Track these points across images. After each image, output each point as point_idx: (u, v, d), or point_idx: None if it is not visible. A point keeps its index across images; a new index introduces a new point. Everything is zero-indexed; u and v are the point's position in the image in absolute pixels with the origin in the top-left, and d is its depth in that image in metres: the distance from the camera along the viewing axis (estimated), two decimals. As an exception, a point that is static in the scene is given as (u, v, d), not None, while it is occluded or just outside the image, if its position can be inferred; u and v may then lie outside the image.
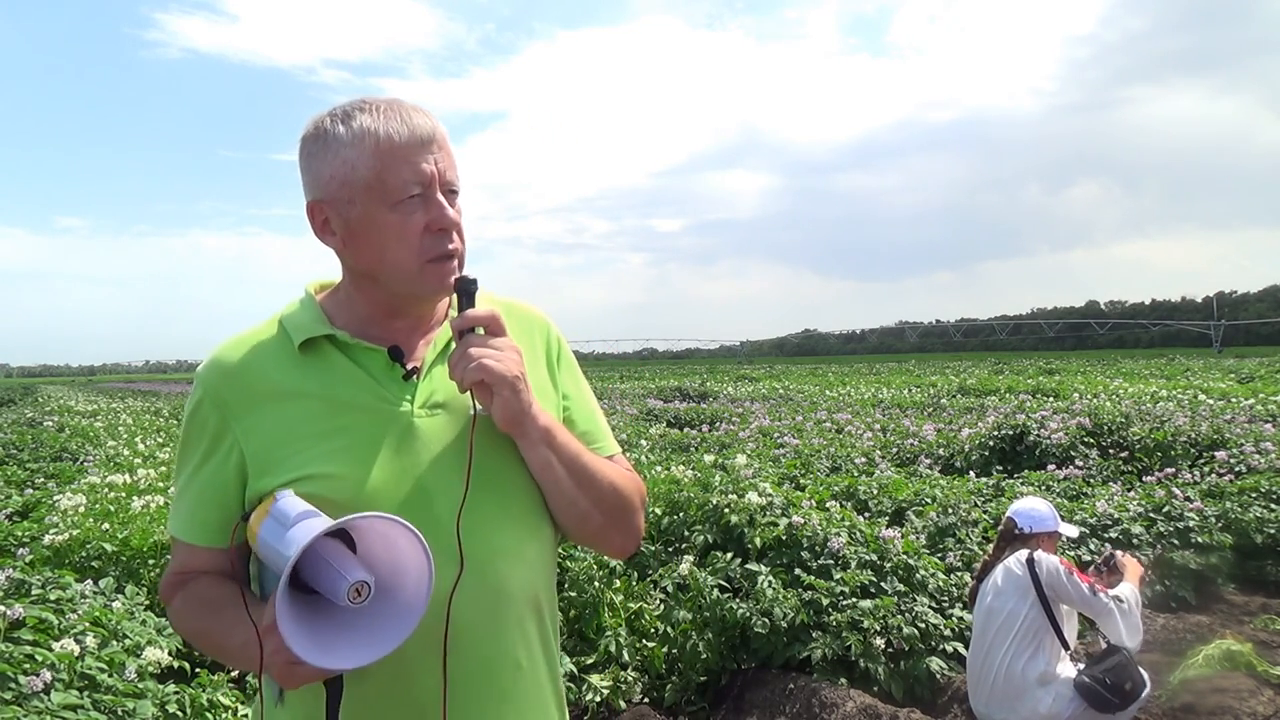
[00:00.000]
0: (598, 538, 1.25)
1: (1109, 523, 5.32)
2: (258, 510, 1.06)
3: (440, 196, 1.13)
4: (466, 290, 1.15)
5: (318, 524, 0.97)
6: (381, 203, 1.10)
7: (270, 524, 1.02)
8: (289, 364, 1.15)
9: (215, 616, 1.12)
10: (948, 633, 4.03)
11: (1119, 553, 3.39)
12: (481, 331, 1.13)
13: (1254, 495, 5.93)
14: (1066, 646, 3.08)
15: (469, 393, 1.12)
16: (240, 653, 1.06)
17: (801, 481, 6.50)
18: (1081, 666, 3.07)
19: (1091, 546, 4.97)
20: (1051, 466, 7.22)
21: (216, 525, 1.15)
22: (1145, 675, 3.11)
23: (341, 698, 1.04)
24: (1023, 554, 3.15)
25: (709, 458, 6.97)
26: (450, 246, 1.14)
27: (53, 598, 3.15)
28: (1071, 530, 3.38)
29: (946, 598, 4.30)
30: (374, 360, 1.16)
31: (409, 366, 1.16)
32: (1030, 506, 3.33)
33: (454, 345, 1.13)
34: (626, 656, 3.87)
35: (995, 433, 8.68)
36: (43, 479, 8.16)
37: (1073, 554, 4.89)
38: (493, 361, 1.09)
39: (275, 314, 1.21)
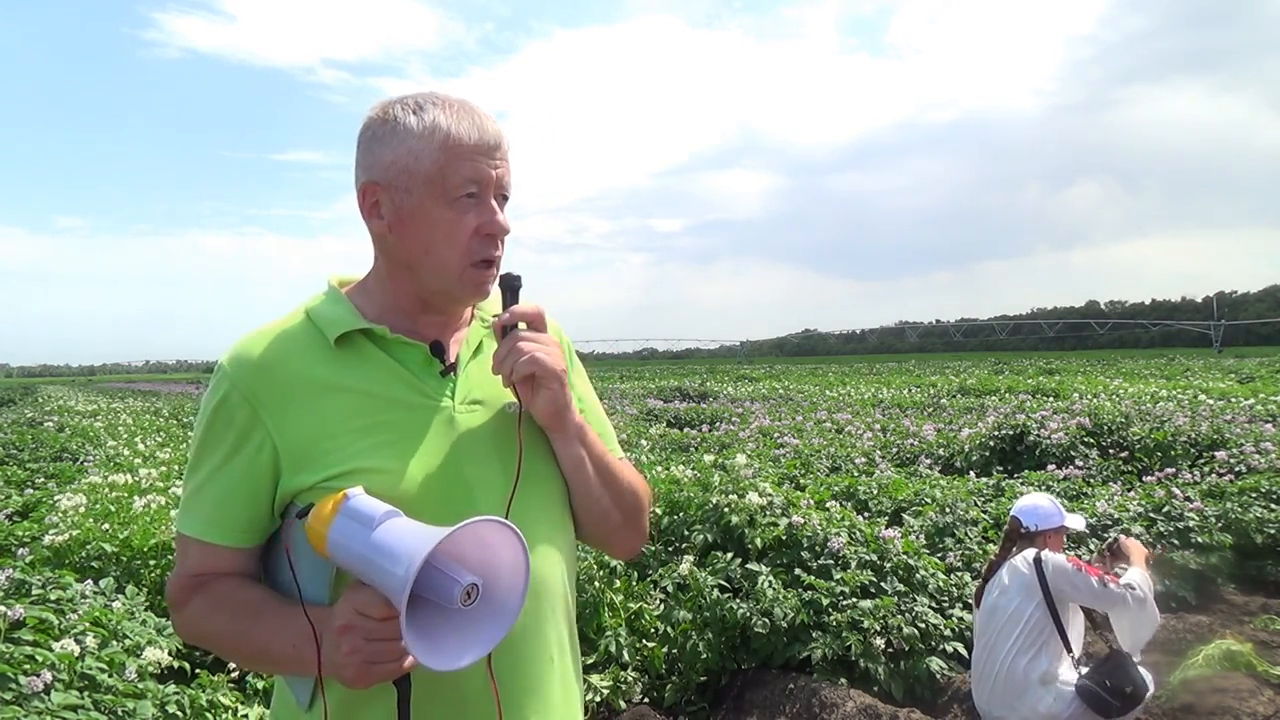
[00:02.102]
0: (612, 536, 1.27)
1: (1109, 523, 5.32)
2: (317, 509, 1.01)
3: (493, 201, 1.13)
4: (512, 286, 1.16)
5: (425, 529, 0.95)
6: (438, 197, 1.10)
7: (344, 523, 0.98)
8: (323, 357, 1.12)
9: (253, 619, 1.09)
10: (948, 633, 4.03)
11: (1122, 537, 3.37)
12: (524, 327, 1.14)
13: (1254, 495, 5.93)
14: (1069, 649, 3.07)
15: (506, 389, 1.14)
16: (290, 654, 1.04)
17: (801, 481, 6.50)
18: (1084, 669, 3.05)
19: (1091, 546, 4.97)
20: (1051, 466, 7.23)
21: (243, 524, 1.12)
22: (1149, 678, 3.10)
23: (411, 694, 1.02)
24: (1030, 553, 3.13)
25: (709, 458, 6.97)
26: (495, 253, 1.15)
27: (53, 598, 3.15)
28: (1078, 521, 3.30)
29: (946, 598, 4.30)
30: (412, 355, 1.15)
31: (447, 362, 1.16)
32: (1033, 504, 3.29)
33: (496, 339, 1.15)
34: (626, 656, 3.87)
35: (995, 433, 8.68)
36: (43, 479, 8.16)
37: (1073, 552, 4.89)
38: (543, 355, 1.11)
39: (298, 307, 1.19)
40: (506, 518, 1.06)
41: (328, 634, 1.00)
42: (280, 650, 1.05)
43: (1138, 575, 3.08)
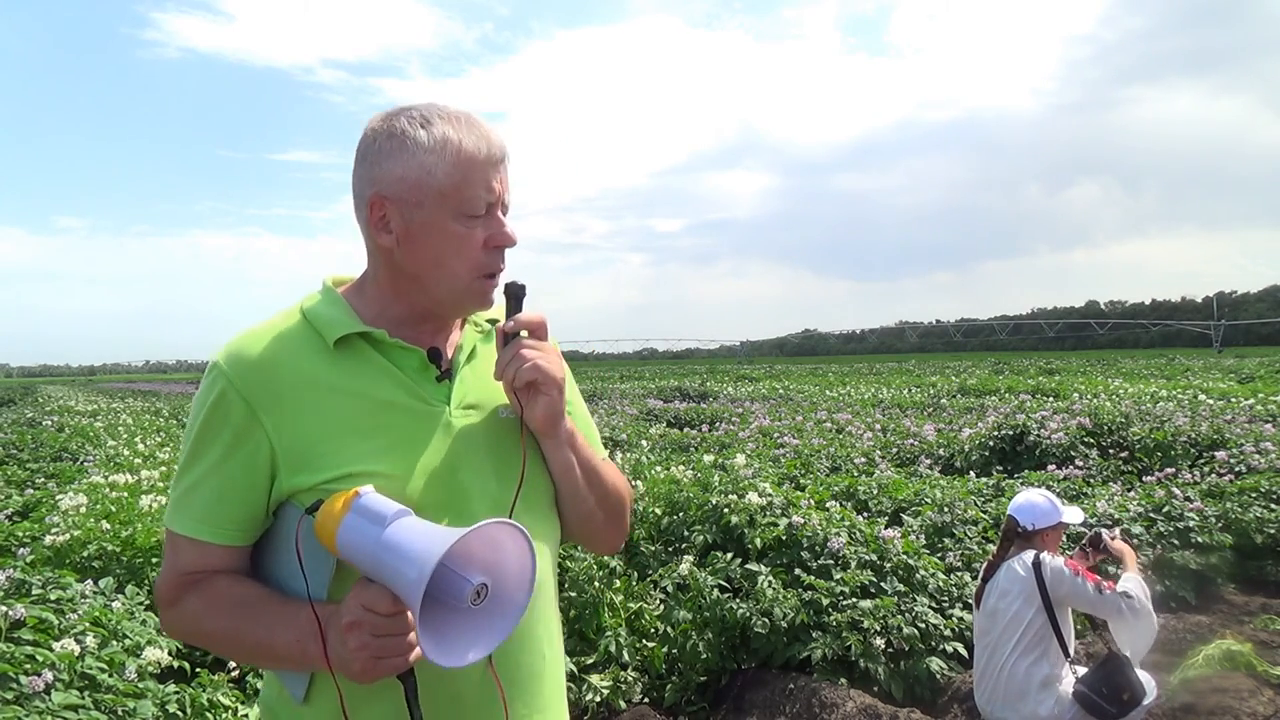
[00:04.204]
0: (595, 534, 1.31)
1: (1109, 523, 5.32)
2: (327, 506, 1.03)
3: (500, 214, 1.16)
4: (516, 295, 1.19)
5: (437, 529, 0.98)
6: (451, 212, 1.12)
7: (356, 520, 1.00)
8: (321, 359, 1.13)
9: (250, 616, 1.10)
10: (948, 633, 4.03)
11: (1104, 532, 3.35)
12: (525, 335, 1.17)
13: (1254, 495, 5.93)
14: (1067, 654, 3.06)
15: (500, 394, 1.18)
16: (295, 650, 1.06)
17: (801, 481, 6.50)
18: (1080, 673, 3.05)
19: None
20: (1051, 466, 7.23)
21: (238, 523, 1.12)
22: (1150, 682, 3.10)
23: (416, 688, 1.04)
24: (1028, 555, 3.12)
25: (709, 458, 6.97)
26: (501, 266, 1.18)
27: (53, 598, 3.15)
28: (1076, 515, 3.27)
29: (946, 598, 4.30)
30: (409, 360, 1.17)
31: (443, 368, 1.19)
32: (1029, 502, 3.25)
33: (498, 346, 1.18)
34: (626, 656, 3.87)
35: (995, 433, 8.68)
36: (43, 479, 8.15)
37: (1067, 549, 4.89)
38: (545, 363, 1.14)
39: (292, 307, 1.20)
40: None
41: (334, 629, 1.01)
42: (285, 646, 1.06)
43: (1134, 584, 3.08)
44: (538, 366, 1.13)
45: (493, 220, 1.15)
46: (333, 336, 1.13)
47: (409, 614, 0.97)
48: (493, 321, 1.26)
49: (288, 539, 1.11)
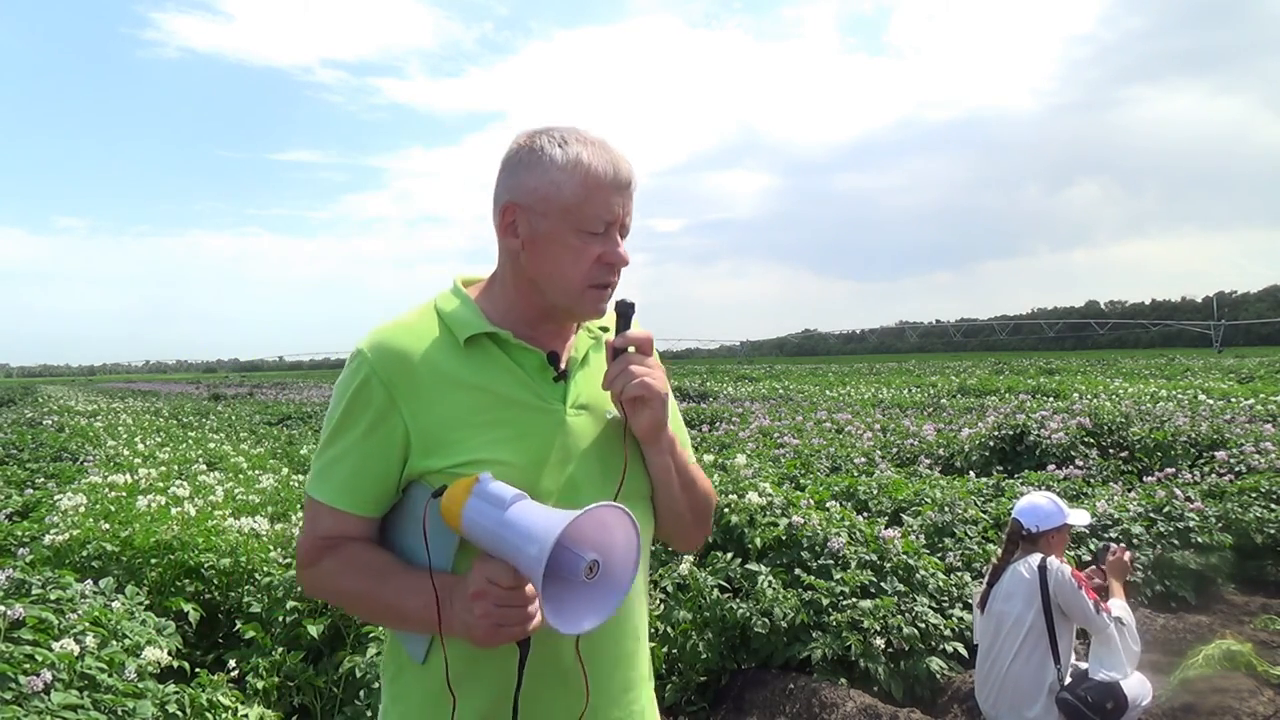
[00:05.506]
0: (683, 533, 1.43)
1: (1109, 523, 5.32)
2: (451, 490, 1.15)
3: (617, 235, 1.27)
4: (625, 313, 1.29)
5: (553, 511, 1.09)
6: (572, 226, 1.23)
7: (478, 504, 1.12)
8: (453, 355, 1.25)
9: (382, 581, 1.23)
10: (948, 633, 4.02)
11: (1114, 546, 3.35)
12: (632, 350, 1.27)
13: (1254, 495, 5.93)
14: (1057, 659, 3.04)
15: (607, 399, 1.29)
16: (420, 613, 1.18)
17: (801, 481, 6.50)
18: (1068, 682, 3.04)
19: (1091, 546, 4.97)
20: (1051, 467, 7.23)
21: (373, 496, 1.25)
22: (1148, 686, 3.09)
23: (529, 654, 1.16)
24: (1035, 559, 3.11)
25: (709, 458, 6.96)
26: (613, 279, 1.29)
27: (53, 598, 3.14)
28: (1082, 517, 3.27)
29: (946, 598, 4.30)
30: (530, 360, 1.28)
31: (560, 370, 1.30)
32: (1033, 504, 3.25)
33: (608, 359, 1.29)
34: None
35: (995, 433, 8.68)
36: (43, 479, 8.14)
37: (1072, 554, 4.89)
38: (652, 380, 1.26)
39: (426, 304, 1.32)
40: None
41: (456, 598, 1.15)
42: (412, 609, 1.19)
43: (1126, 613, 3.09)
44: (645, 384, 1.25)
45: (609, 239, 1.26)
46: (463, 335, 1.26)
47: (529, 587, 1.10)
48: (604, 329, 1.38)
49: (413, 515, 1.25)
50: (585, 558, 1.10)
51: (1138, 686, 3.08)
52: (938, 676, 3.82)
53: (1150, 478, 6.66)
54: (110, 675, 2.69)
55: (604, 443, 1.31)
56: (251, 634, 3.50)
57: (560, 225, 1.23)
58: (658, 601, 4.37)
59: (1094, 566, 3.35)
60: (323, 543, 1.27)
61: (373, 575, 1.24)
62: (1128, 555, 3.33)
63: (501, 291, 1.32)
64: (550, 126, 1.27)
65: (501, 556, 1.10)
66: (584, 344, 1.35)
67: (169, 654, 2.95)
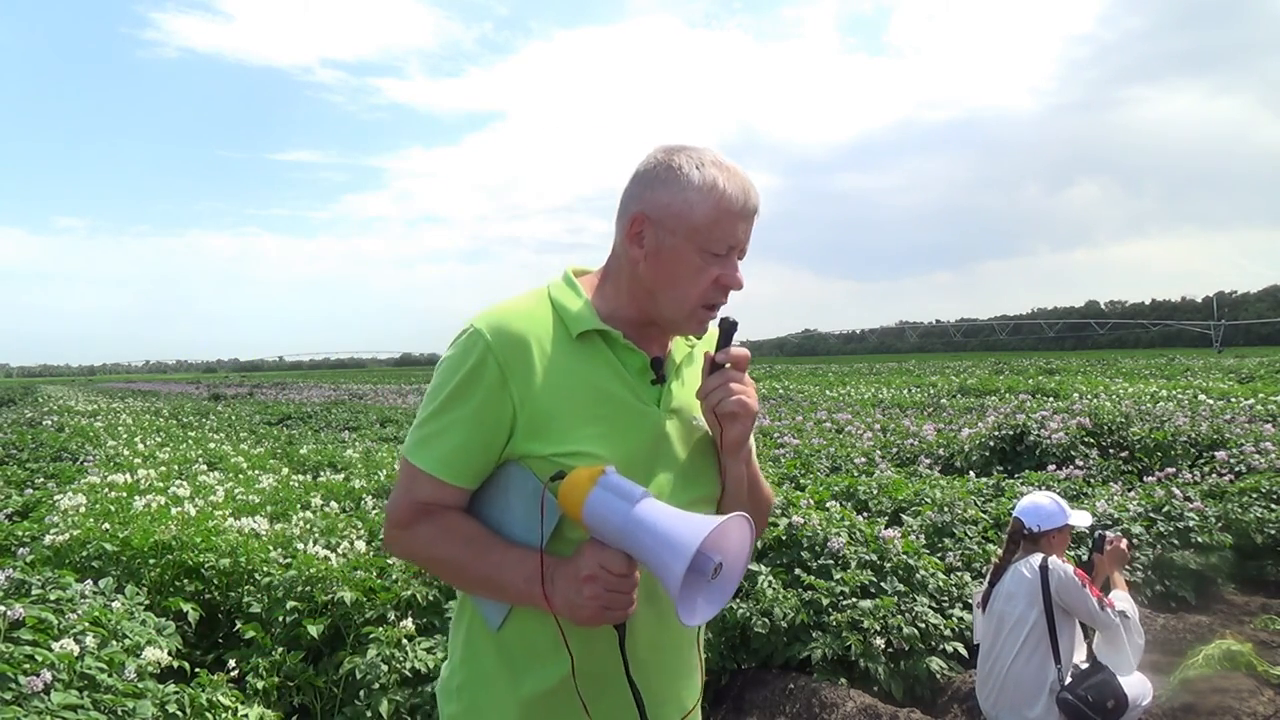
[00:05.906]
0: None
1: (1109, 523, 5.32)
2: (572, 478, 1.19)
3: (735, 259, 1.33)
4: (728, 331, 1.35)
5: (685, 515, 1.15)
6: (697, 246, 1.28)
7: (603, 495, 1.17)
8: (565, 346, 1.30)
9: (479, 552, 1.28)
10: (948, 633, 4.02)
11: (1108, 534, 3.34)
12: (728, 366, 1.33)
13: (1254, 495, 5.93)
14: (1058, 659, 3.04)
15: (696, 406, 1.36)
16: (520, 587, 1.25)
17: (801, 481, 6.50)
18: (1068, 681, 3.04)
19: (1090, 545, 4.97)
20: (1051, 467, 7.23)
21: (473, 470, 1.30)
22: (1147, 686, 3.09)
23: (626, 635, 1.24)
24: (1036, 558, 3.11)
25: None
26: (723, 301, 1.34)
27: (53, 598, 3.14)
28: (1083, 518, 3.26)
29: (946, 597, 4.30)
30: (634, 361, 1.34)
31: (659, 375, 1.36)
32: (1035, 504, 3.24)
33: (705, 372, 1.34)
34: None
35: (995, 433, 8.68)
36: (43, 479, 8.14)
37: (1072, 554, 4.89)
38: (748, 399, 1.31)
39: (540, 290, 1.37)
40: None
41: (559, 577, 1.21)
42: (509, 581, 1.25)
43: (1129, 605, 3.08)
44: (742, 401, 1.30)
45: (728, 263, 1.31)
46: (576, 330, 1.31)
47: (636, 574, 1.19)
48: (698, 339, 1.44)
49: (504, 491, 1.30)
50: (714, 559, 1.16)
51: (1138, 686, 3.08)
52: (938, 676, 3.82)
53: (1150, 478, 6.66)
54: (110, 675, 2.69)
55: (689, 447, 1.37)
56: (251, 634, 3.50)
57: (686, 243, 1.28)
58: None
59: (1094, 554, 3.34)
60: (420, 508, 1.31)
61: (473, 546, 1.29)
62: (1124, 543, 3.32)
63: (614, 292, 1.36)
64: (687, 146, 1.32)
65: (620, 548, 1.16)
66: (680, 351, 1.42)
67: (169, 654, 2.95)
